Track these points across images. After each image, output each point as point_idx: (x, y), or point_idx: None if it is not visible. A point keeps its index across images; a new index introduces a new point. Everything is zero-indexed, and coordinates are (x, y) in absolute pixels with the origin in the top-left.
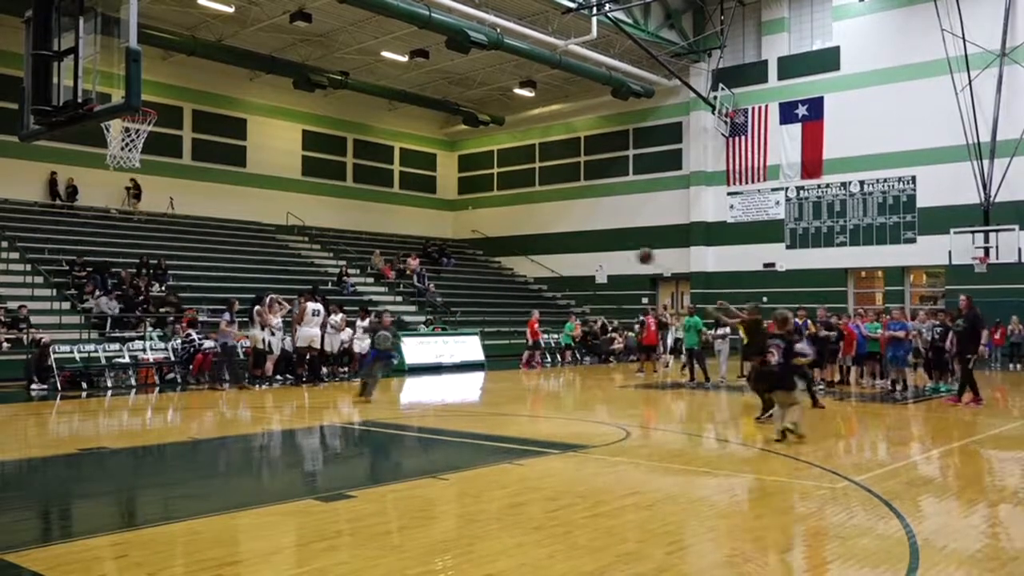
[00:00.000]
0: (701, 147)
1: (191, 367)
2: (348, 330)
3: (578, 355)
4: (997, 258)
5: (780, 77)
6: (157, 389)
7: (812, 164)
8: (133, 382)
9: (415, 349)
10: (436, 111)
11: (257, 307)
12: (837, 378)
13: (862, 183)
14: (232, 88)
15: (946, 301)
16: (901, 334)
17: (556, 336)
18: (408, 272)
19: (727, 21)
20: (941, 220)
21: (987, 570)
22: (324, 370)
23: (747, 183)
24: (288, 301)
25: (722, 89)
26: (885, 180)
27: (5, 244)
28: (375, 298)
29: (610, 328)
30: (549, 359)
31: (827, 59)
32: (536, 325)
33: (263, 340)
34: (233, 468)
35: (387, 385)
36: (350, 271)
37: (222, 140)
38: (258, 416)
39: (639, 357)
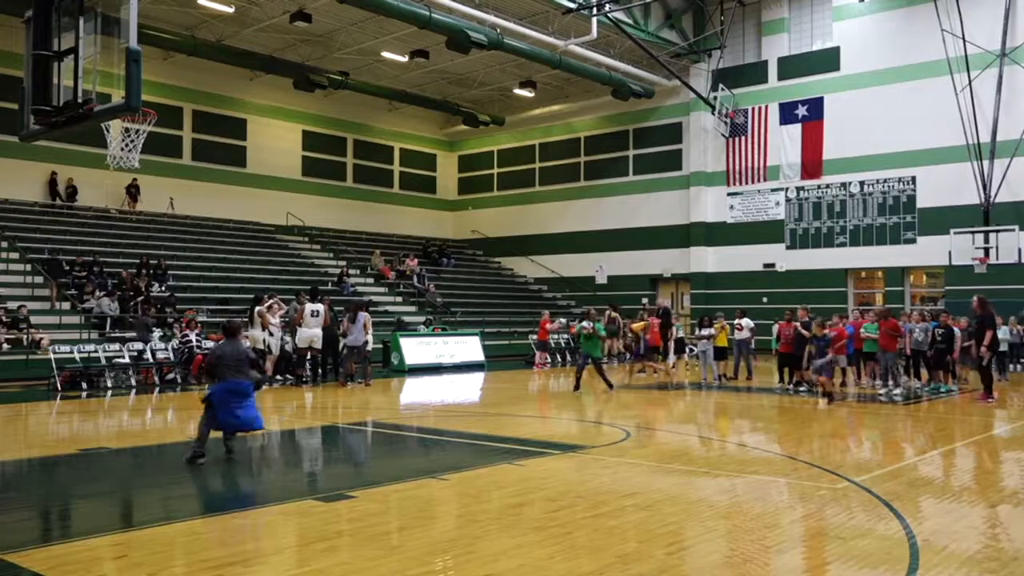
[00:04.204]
0: (701, 147)
1: (191, 368)
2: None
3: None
4: (997, 259)
5: (780, 77)
6: (157, 389)
7: (812, 164)
8: (133, 382)
9: (415, 349)
10: (436, 111)
11: (259, 308)
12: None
13: (862, 183)
14: (232, 88)
15: (946, 302)
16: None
17: (566, 336)
18: (408, 272)
19: (727, 21)
20: (941, 220)
21: (987, 571)
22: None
23: (747, 183)
24: (285, 302)
25: (722, 89)
26: (885, 180)
27: (5, 244)
28: (375, 298)
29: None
30: (560, 359)
31: (827, 59)
32: (548, 325)
33: (263, 340)
34: (233, 468)
35: (387, 386)
36: (350, 271)
37: (222, 140)
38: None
39: (641, 357)
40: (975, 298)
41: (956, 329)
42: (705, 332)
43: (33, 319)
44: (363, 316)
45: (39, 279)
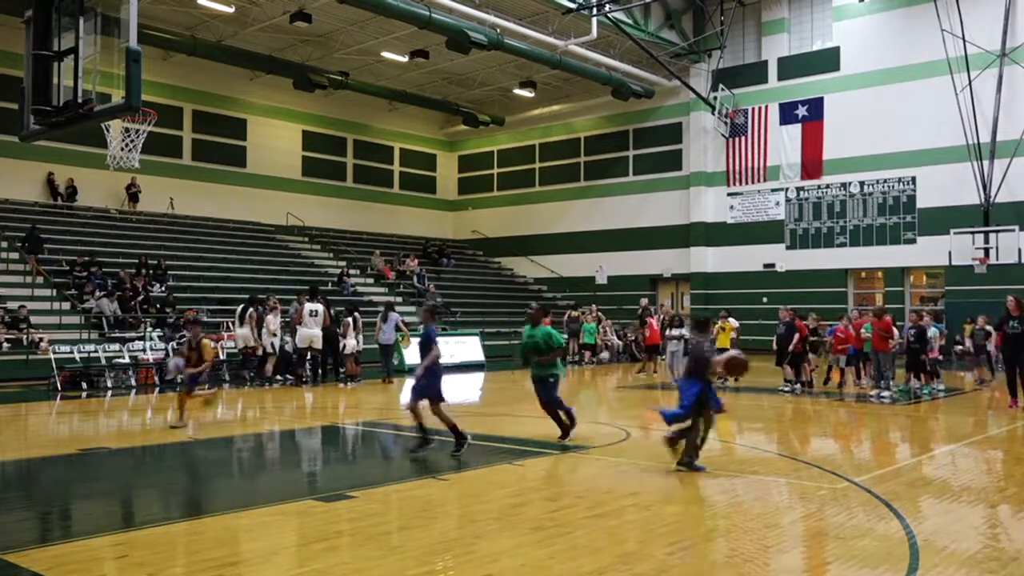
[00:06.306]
0: (701, 148)
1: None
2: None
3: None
4: (997, 259)
5: (780, 77)
6: (157, 389)
7: (812, 164)
8: (133, 382)
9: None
10: (436, 111)
11: (251, 309)
12: (825, 379)
13: (862, 184)
14: (232, 88)
15: (946, 302)
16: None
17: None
18: (408, 273)
19: (727, 21)
20: (941, 221)
21: (987, 571)
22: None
23: (747, 184)
24: (284, 303)
25: (722, 89)
26: (885, 180)
27: (5, 244)
28: (375, 299)
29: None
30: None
31: (827, 59)
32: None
33: (254, 340)
34: (233, 468)
35: (388, 385)
36: (350, 271)
37: (222, 140)
38: (258, 416)
39: (641, 357)
40: (1012, 299)
41: (933, 328)
42: (676, 332)
43: (33, 319)
44: (395, 316)
45: (39, 279)
